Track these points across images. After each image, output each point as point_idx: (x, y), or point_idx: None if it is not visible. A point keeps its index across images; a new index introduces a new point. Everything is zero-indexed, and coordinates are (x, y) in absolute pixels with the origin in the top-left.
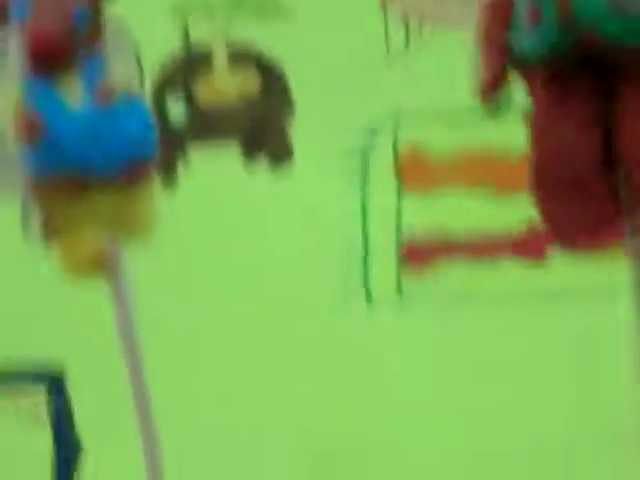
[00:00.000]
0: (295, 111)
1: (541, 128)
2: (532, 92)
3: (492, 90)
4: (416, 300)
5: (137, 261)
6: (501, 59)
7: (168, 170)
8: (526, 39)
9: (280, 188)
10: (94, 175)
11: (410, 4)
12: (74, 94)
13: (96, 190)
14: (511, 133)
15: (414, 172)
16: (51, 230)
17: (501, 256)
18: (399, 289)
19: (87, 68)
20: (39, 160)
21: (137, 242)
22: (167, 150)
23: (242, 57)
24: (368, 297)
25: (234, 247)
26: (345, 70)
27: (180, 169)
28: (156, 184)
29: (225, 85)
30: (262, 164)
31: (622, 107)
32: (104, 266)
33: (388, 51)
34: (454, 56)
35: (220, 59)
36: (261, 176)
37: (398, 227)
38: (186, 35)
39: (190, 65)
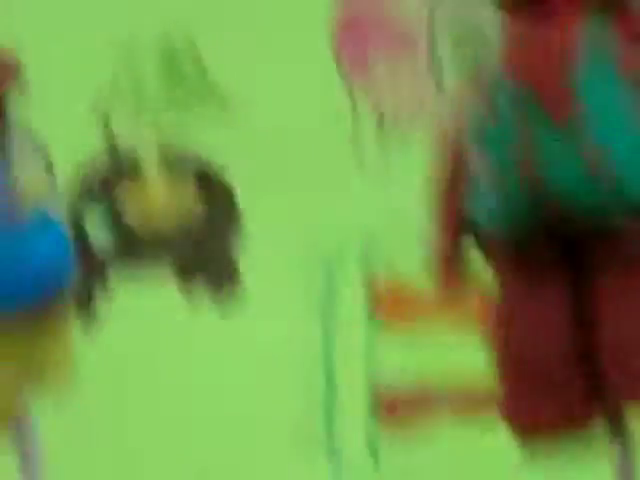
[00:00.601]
0: (242, 228)
1: (508, 309)
2: (496, 268)
3: (447, 275)
4: (393, 467)
5: (49, 416)
6: (455, 233)
7: (87, 303)
8: (486, 209)
9: (227, 324)
10: (2, 312)
11: (382, 94)
12: None
13: (3, 331)
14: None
15: (390, 303)
16: None
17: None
18: (372, 451)
19: None
20: None
21: (50, 391)
22: (87, 278)
23: (178, 163)
24: (332, 456)
25: (171, 397)
26: (306, 173)
27: (102, 302)
28: (73, 319)
29: (158, 198)
30: (202, 293)
31: (602, 298)
32: (8, 419)
33: (358, 152)
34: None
35: (151, 166)
36: (202, 309)
37: (370, 370)
38: (110, 136)
39: (115, 173)
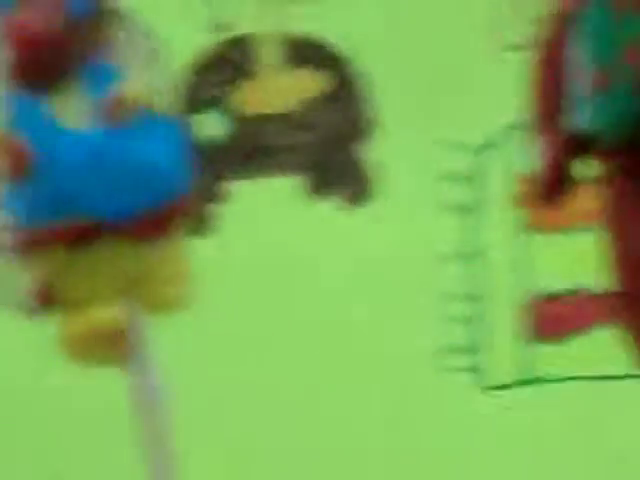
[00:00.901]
0: (376, 128)
1: (613, 222)
2: (606, 178)
3: (551, 194)
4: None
5: (166, 332)
6: (559, 146)
7: (204, 210)
8: (592, 112)
9: (355, 224)
10: (104, 222)
11: None
12: (74, 112)
13: (107, 243)
14: None
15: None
16: (48, 298)
17: None
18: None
19: (91, 77)
20: (28, 202)
21: (164, 310)
22: (203, 180)
23: (301, 52)
24: (479, 380)
25: (296, 309)
26: (446, 68)
27: (221, 208)
28: (189, 231)
29: (278, 92)
30: (331, 200)
31: None
32: (121, 342)
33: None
34: None
35: (271, 56)
36: (329, 214)
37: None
38: (224, 28)
39: (232, 67)
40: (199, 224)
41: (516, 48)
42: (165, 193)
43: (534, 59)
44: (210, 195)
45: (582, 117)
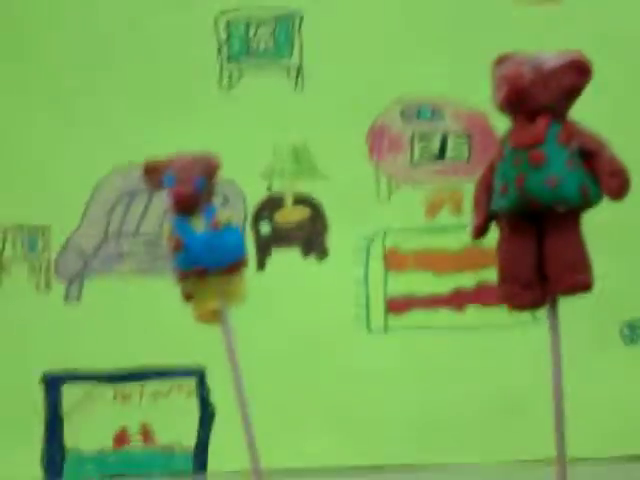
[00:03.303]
0: (328, 225)
1: (501, 248)
2: (500, 229)
3: (479, 234)
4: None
5: (236, 315)
6: (485, 213)
7: (260, 261)
8: (499, 201)
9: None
10: (211, 269)
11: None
12: (199, 225)
13: (212, 276)
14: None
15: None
16: (188, 296)
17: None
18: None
19: (206, 211)
20: (180, 261)
21: (237, 304)
22: (260, 250)
23: (300, 200)
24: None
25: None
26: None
27: (267, 260)
28: (251, 269)
29: (291, 215)
30: (312, 258)
31: (547, 239)
32: (219, 318)
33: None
34: None
35: (288, 201)
36: (311, 263)
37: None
38: (270, 190)
39: (271, 204)
40: (258, 266)
41: None
42: (235, 257)
43: (479, 179)
44: (263, 256)
45: (494, 204)
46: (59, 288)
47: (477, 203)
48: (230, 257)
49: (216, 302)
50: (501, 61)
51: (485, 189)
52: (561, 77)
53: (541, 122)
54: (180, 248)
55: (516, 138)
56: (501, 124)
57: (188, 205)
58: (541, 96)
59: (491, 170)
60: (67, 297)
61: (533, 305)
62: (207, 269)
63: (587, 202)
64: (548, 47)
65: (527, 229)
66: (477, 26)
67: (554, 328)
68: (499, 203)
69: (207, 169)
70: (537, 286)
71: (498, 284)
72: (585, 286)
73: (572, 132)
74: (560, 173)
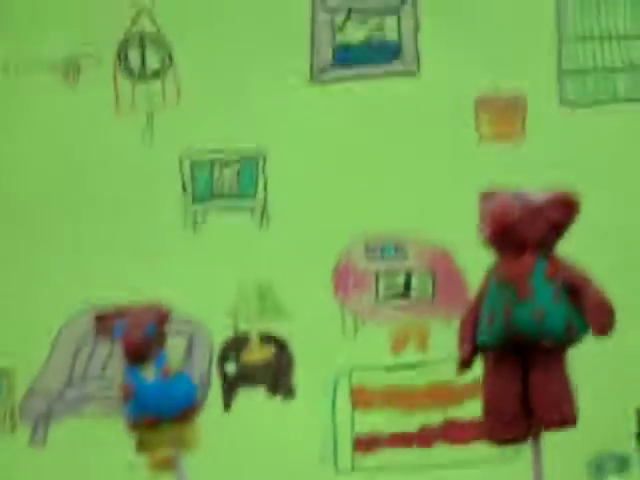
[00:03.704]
0: (294, 364)
1: (486, 381)
2: (484, 362)
3: (465, 367)
4: None
5: (190, 462)
6: (471, 346)
7: (226, 402)
8: (484, 333)
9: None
10: (163, 417)
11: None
12: (149, 373)
13: (164, 424)
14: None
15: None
16: (140, 445)
17: None
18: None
19: (157, 358)
20: (131, 410)
21: (190, 450)
22: (226, 390)
23: (266, 338)
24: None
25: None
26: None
27: (233, 401)
28: (217, 410)
29: (257, 354)
30: (278, 397)
31: (533, 373)
32: (172, 466)
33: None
34: None
35: (254, 340)
36: (277, 402)
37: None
38: (236, 330)
39: (237, 344)
40: (224, 407)
41: None
42: (186, 404)
43: (465, 312)
44: (228, 397)
45: (480, 337)
46: (24, 431)
47: (463, 337)
48: (181, 404)
49: (169, 450)
50: (487, 196)
51: (471, 323)
52: (549, 213)
53: (528, 256)
54: (130, 396)
55: (503, 271)
56: (464, 261)
57: (138, 353)
58: (528, 231)
59: (477, 304)
60: (32, 441)
61: (515, 440)
62: (158, 417)
63: (572, 337)
64: (511, 185)
65: (512, 362)
66: (441, 162)
67: (537, 461)
68: (484, 337)
69: (157, 317)
70: (521, 420)
71: (482, 417)
72: (571, 421)
73: (558, 267)
74: (546, 306)
